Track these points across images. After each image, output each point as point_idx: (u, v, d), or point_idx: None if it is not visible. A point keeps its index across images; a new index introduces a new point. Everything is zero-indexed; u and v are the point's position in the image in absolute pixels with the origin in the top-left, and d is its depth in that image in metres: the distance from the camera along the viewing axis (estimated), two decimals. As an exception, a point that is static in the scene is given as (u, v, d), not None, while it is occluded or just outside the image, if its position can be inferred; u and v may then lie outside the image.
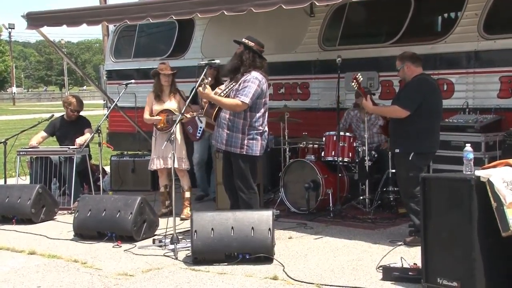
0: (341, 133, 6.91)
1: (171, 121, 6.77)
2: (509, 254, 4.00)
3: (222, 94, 5.72)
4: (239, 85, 5.65)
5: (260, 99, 5.68)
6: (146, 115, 7.08)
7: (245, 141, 5.64)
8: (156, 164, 6.99)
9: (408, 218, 5.94)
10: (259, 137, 5.70)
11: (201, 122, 7.10)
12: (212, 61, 5.91)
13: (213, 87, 6.96)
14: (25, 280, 4.94)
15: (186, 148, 7.09)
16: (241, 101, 5.56)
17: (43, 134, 8.16)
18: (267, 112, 5.81)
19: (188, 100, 6.32)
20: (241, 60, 5.70)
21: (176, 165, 6.79)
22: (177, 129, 6.72)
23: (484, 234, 3.94)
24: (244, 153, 5.65)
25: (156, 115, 6.96)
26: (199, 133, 7.14)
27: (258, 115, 5.69)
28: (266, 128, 5.81)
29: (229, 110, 5.67)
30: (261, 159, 6.00)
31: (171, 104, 6.99)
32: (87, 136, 7.79)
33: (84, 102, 8.58)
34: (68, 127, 8.09)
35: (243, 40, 5.74)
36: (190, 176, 7.26)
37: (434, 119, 5.59)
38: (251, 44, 5.72)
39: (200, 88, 5.60)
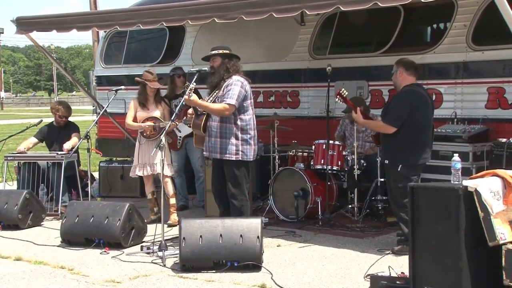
0: (331, 142, 6.93)
1: (159, 129, 6.79)
2: (496, 263, 4.02)
3: (209, 102, 5.75)
4: (223, 90, 5.69)
5: (246, 101, 5.74)
6: (129, 121, 7.02)
7: (240, 147, 5.69)
8: (142, 171, 6.96)
9: (396, 227, 5.96)
10: (252, 142, 5.77)
11: (179, 131, 7.34)
12: (203, 69, 5.93)
13: (182, 95, 7.07)
14: (11, 286, 4.91)
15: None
16: (228, 103, 5.60)
17: (34, 140, 8.12)
18: (254, 114, 5.85)
19: (178, 107, 6.34)
20: (226, 69, 5.75)
21: (164, 172, 6.78)
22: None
23: (472, 244, 3.95)
24: (240, 158, 5.68)
25: (142, 122, 6.94)
26: (179, 142, 7.43)
27: (247, 118, 5.75)
28: (256, 132, 5.84)
29: (217, 115, 5.69)
30: (252, 165, 6.02)
31: (156, 112, 6.99)
32: (74, 140, 7.77)
33: (73, 107, 8.57)
34: (57, 132, 8.06)
35: (218, 52, 5.82)
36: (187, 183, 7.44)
37: (422, 132, 5.56)
38: (227, 51, 5.80)
39: (186, 96, 5.62)
